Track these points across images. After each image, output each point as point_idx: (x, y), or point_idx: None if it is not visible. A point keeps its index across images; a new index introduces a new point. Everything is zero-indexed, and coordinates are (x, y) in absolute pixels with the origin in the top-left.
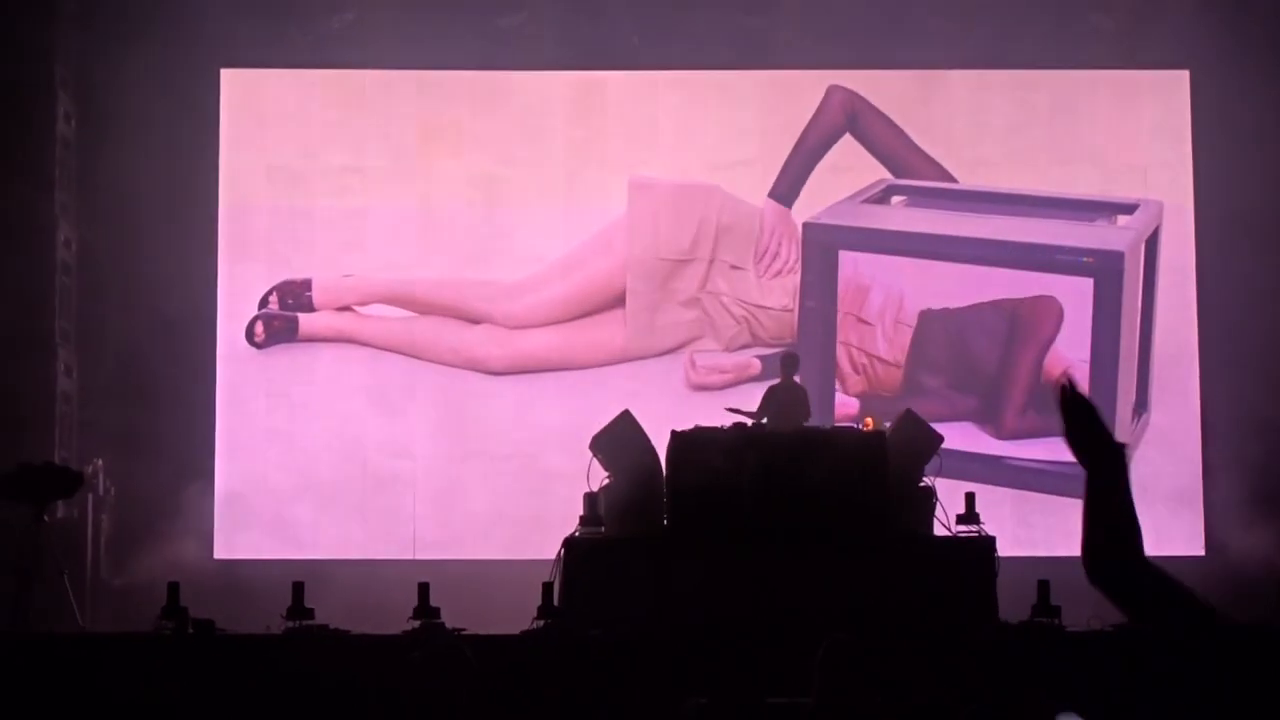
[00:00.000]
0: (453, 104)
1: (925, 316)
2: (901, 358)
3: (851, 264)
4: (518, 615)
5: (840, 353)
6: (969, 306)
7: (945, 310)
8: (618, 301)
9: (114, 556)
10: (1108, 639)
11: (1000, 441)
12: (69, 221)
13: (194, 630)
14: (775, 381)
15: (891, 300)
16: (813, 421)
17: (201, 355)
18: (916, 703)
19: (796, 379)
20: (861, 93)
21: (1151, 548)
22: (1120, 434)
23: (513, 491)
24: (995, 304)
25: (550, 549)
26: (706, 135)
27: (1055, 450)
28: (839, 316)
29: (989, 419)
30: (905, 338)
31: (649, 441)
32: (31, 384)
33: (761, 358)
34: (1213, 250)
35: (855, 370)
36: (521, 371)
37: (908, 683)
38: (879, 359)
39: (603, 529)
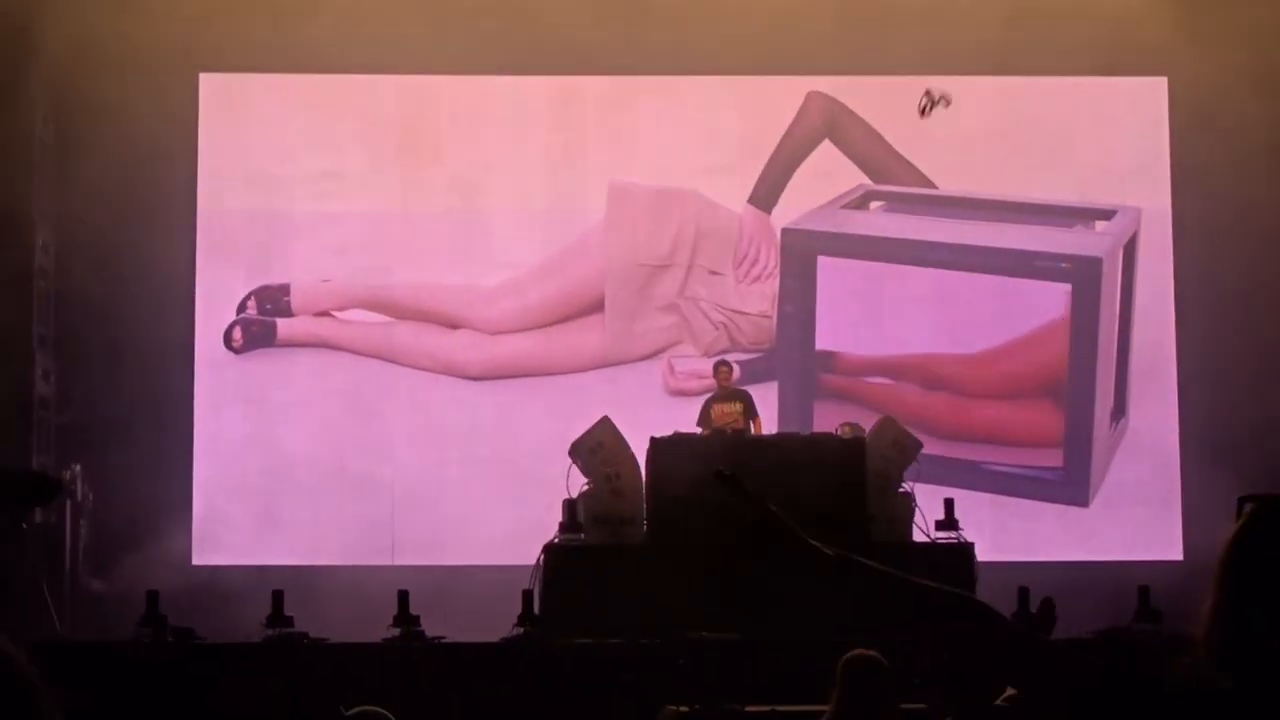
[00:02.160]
0: (433, 108)
1: None
2: None
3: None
4: (498, 622)
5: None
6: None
7: None
8: (596, 307)
9: (93, 563)
10: (1089, 646)
11: (976, 445)
12: (47, 226)
13: (173, 638)
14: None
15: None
16: (791, 428)
17: (180, 360)
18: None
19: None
20: (841, 99)
21: (1129, 552)
22: (1098, 439)
23: (492, 497)
24: None
25: (530, 555)
26: (686, 140)
27: (1033, 455)
28: None
29: None
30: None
31: (629, 448)
32: (9, 389)
33: (740, 363)
34: (1190, 256)
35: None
36: (500, 377)
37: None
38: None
39: (583, 535)
